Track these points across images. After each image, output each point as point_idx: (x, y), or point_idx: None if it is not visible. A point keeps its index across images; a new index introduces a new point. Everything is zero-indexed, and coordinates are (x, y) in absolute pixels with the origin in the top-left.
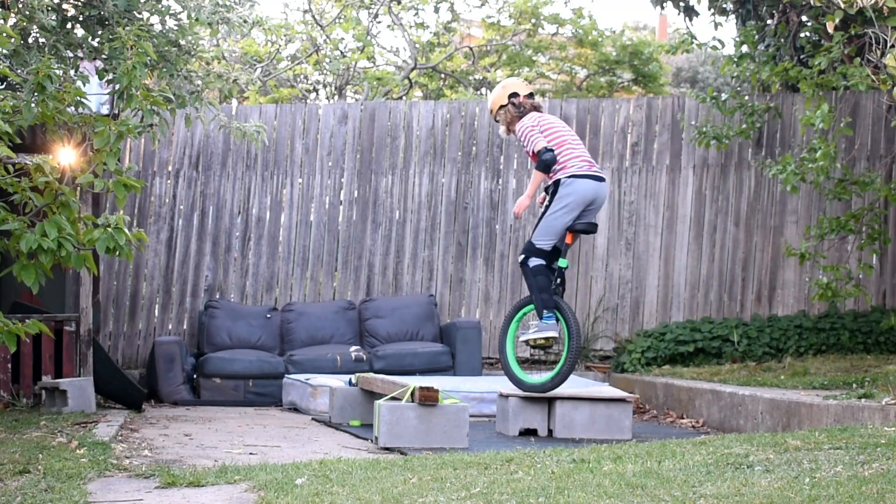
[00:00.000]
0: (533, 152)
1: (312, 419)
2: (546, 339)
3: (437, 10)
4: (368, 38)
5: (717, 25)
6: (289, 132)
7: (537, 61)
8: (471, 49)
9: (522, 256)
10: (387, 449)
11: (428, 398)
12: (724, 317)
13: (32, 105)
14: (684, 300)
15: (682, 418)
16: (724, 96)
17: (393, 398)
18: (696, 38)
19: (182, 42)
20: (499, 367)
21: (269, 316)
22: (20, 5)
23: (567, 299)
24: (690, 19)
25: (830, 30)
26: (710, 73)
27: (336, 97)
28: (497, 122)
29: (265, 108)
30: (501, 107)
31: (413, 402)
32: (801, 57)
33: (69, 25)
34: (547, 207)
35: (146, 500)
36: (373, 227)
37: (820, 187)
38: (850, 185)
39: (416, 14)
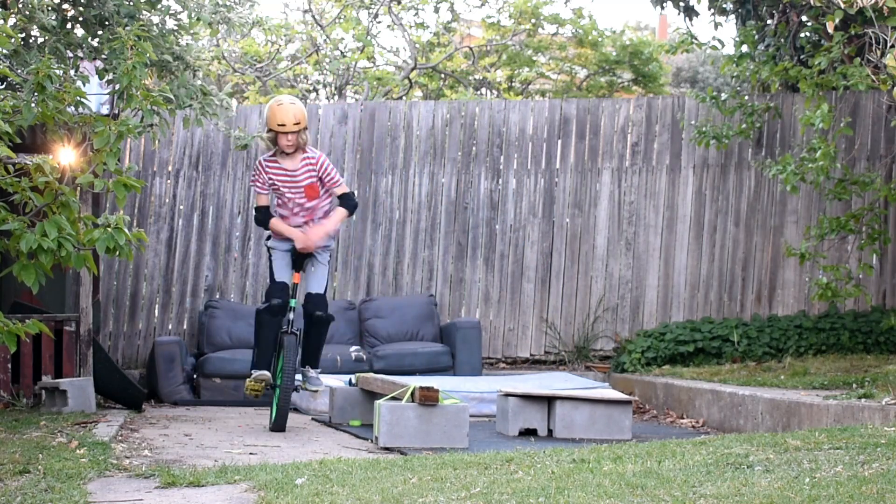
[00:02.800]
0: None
1: (312, 419)
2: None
3: (437, 10)
4: (368, 38)
5: (717, 25)
6: None
7: (537, 61)
8: (471, 49)
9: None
10: (387, 449)
11: (428, 398)
12: (724, 317)
13: (32, 105)
14: (684, 300)
15: (682, 418)
16: (724, 96)
17: (393, 398)
18: (696, 38)
19: (188, 58)
20: (499, 367)
21: None
22: (20, 5)
23: (567, 299)
24: (690, 19)
25: (830, 30)
26: (710, 73)
27: (336, 97)
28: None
29: (265, 109)
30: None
31: (413, 402)
32: (801, 57)
33: (69, 25)
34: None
35: (146, 500)
36: (373, 227)
37: (820, 187)
38: (850, 185)
39: (416, 14)
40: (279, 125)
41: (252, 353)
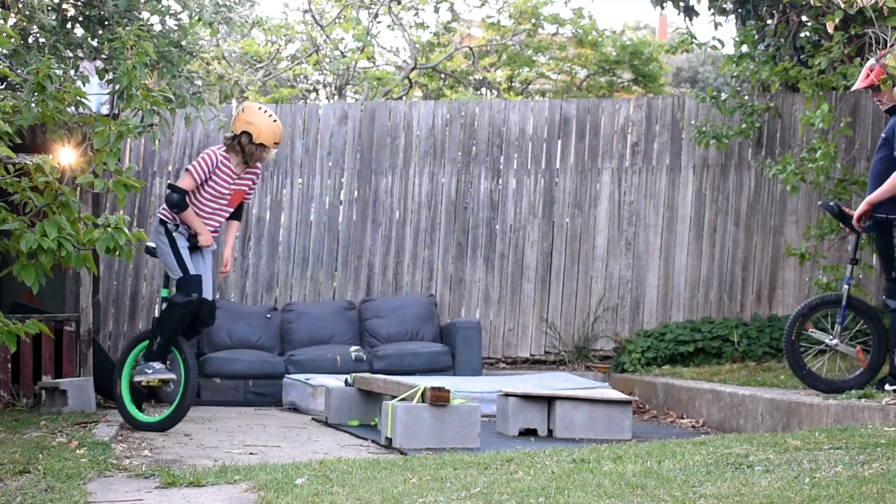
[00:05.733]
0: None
1: (312, 419)
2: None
3: (437, 10)
4: (368, 38)
5: (717, 25)
6: (289, 132)
7: (537, 61)
8: (471, 49)
9: None
10: (387, 448)
11: (439, 398)
12: (724, 317)
13: (32, 105)
14: (684, 300)
15: (682, 418)
16: (723, 96)
17: (403, 399)
18: (696, 38)
19: (183, 43)
20: (499, 367)
21: (269, 316)
22: (20, 5)
23: (567, 299)
24: (690, 19)
25: (830, 30)
26: (710, 73)
27: (336, 97)
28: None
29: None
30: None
31: (423, 402)
32: (801, 57)
33: (69, 25)
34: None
35: (146, 500)
36: (373, 227)
37: (820, 187)
38: (850, 185)
39: (416, 14)
40: (275, 144)
41: (154, 343)
